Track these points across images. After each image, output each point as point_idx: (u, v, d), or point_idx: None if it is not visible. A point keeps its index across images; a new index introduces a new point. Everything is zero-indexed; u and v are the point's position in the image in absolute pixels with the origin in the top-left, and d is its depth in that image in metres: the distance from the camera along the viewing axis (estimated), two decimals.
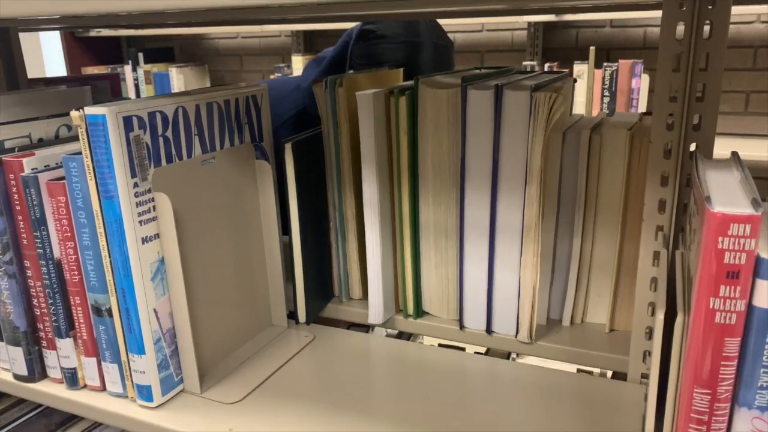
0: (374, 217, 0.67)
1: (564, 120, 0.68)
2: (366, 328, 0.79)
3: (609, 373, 0.68)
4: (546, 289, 0.68)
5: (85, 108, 0.50)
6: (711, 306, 0.32)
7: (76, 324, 0.57)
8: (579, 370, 0.68)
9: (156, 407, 0.56)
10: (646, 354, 0.57)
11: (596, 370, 0.73)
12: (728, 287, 0.31)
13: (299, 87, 0.98)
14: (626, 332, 0.66)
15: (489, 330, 0.67)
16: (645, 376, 0.58)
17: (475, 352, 0.73)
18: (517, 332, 0.66)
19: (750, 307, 0.32)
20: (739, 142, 2.00)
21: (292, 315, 0.71)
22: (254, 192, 0.66)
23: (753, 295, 0.31)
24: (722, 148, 1.84)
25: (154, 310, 0.54)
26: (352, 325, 0.79)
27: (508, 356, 0.78)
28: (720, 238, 0.31)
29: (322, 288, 0.74)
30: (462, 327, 0.68)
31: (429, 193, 0.67)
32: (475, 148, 0.62)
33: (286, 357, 0.64)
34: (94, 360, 0.57)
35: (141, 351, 0.54)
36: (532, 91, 0.59)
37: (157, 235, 0.54)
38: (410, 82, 0.68)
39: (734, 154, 0.44)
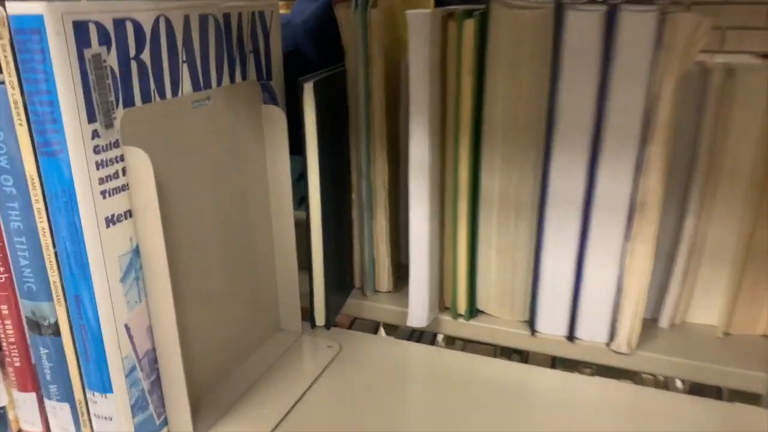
0: (423, 186, 0.49)
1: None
2: (374, 327, 0.62)
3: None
4: None
5: (6, 3, 0.30)
6: None
7: (3, 344, 0.38)
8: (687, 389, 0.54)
9: None
10: None
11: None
12: None
13: (290, 24, 0.79)
14: (745, 338, 0.51)
15: (571, 336, 0.51)
16: None
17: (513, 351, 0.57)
18: (610, 339, 0.50)
19: None
20: None
21: (306, 315, 0.54)
22: (260, 149, 0.47)
23: None
24: None
25: (126, 326, 0.36)
26: (356, 320, 0.61)
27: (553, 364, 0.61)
28: None
29: (342, 279, 0.57)
30: (534, 331, 0.52)
31: (497, 156, 0.50)
32: (572, 94, 0.45)
33: (306, 380, 0.46)
34: (32, 396, 0.39)
35: (106, 388, 0.36)
36: (664, 13, 0.42)
37: (130, 213, 0.35)
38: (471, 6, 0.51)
39: None
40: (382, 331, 0.63)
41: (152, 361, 0.38)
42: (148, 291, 0.37)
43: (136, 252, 0.36)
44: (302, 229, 0.51)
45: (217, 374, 0.45)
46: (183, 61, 0.38)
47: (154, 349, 0.38)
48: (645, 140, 0.44)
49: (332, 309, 0.54)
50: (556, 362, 0.56)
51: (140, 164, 0.34)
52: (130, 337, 0.36)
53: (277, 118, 0.46)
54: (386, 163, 0.54)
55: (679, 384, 0.54)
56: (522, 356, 0.58)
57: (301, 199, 0.57)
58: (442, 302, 0.56)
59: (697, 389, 0.51)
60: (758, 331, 0.51)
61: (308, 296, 0.53)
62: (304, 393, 0.45)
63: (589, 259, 0.49)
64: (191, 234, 0.41)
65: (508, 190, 0.50)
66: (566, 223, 0.49)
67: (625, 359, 0.50)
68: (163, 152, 0.37)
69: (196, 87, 0.40)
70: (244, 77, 0.44)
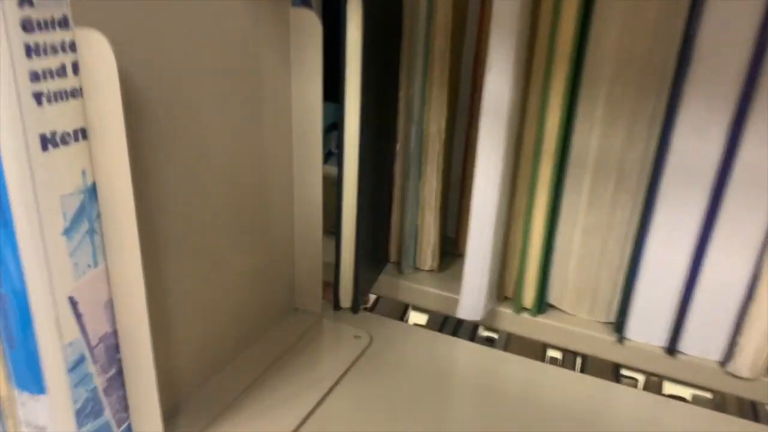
0: (498, 134, 0.37)
1: None
2: (401, 310, 0.50)
3: None
4: None
5: None
6: None
7: None
8: None
9: None
10: None
11: None
12: None
13: None
14: None
15: (672, 348, 0.39)
16: None
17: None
18: (727, 359, 0.38)
19: None
20: None
21: (326, 293, 0.42)
22: (283, 69, 0.35)
23: None
24: None
25: (71, 299, 0.24)
26: (381, 299, 0.50)
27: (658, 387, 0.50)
28: None
29: (376, 252, 0.45)
30: (621, 338, 0.40)
31: (598, 104, 0.37)
32: (721, 22, 0.32)
33: (326, 381, 0.35)
34: None
35: (37, 386, 0.25)
36: None
37: (83, 133, 0.24)
38: None
39: None
40: (410, 315, 0.52)
41: (111, 349, 0.27)
42: (108, 250, 0.25)
43: (92, 192, 0.24)
44: (330, 183, 0.39)
45: (206, 367, 0.34)
46: None
47: (115, 333, 0.27)
48: None
49: (362, 288, 0.42)
50: (620, 375, 0.45)
51: (100, 57, 0.22)
52: (78, 315, 0.25)
53: (309, 26, 0.34)
54: (445, 106, 0.42)
55: None
56: (573, 363, 0.46)
57: (328, 154, 0.45)
58: (503, 290, 0.44)
59: None
60: None
61: (333, 270, 0.41)
62: (323, 399, 0.34)
63: (713, 251, 0.36)
64: (176, 175, 0.29)
65: (610, 151, 0.38)
66: (688, 201, 0.36)
67: (744, 386, 0.38)
68: (138, 47, 0.25)
69: None
70: None
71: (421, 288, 0.45)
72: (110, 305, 0.27)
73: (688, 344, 0.39)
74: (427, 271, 0.47)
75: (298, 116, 0.36)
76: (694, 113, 0.34)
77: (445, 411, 0.34)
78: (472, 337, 0.51)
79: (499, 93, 0.36)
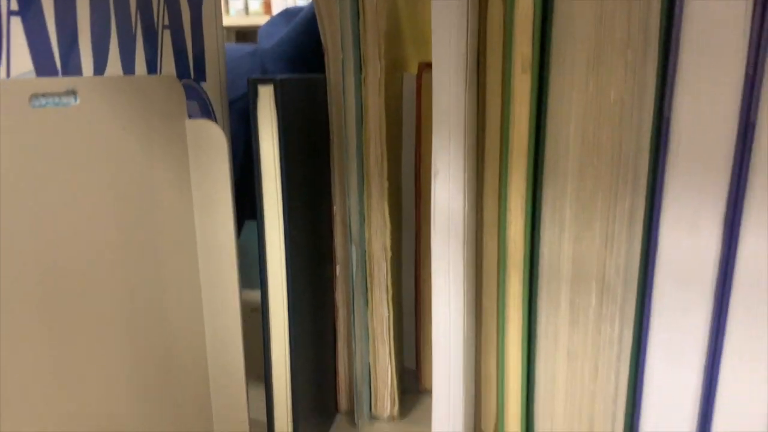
0: (454, 250, 0.31)
1: None
2: None
3: None
4: None
5: None
6: None
7: None
8: None
9: None
10: None
11: None
12: None
13: (257, 51, 0.62)
14: None
15: None
16: None
17: None
18: None
19: None
20: None
21: None
22: (183, 195, 0.28)
23: None
24: None
25: None
26: None
27: None
28: None
29: (318, 400, 0.37)
30: None
31: (566, 199, 0.31)
32: (693, 99, 0.28)
33: None
34: None
35: None
36: None
37: None
38: None
39: None
40: None
41: None
42: None
43: None
44: (254, 319, 0.31)
45: None
46: (13, 13, 0.20)
47: None
48: None
49: None
50: None
51: None
52: None
53: (211, 140, 0.27)
54: (388, 220, 0.36)
55: None
56: None
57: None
58: (479, 429, 0.36)
59: None
60: None
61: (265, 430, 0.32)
62: None
63: (727, 369, 0.30)
64: (42, 334, 0.21)
65: (587, 257, 0.32)
66: (688, 310, 0.30)
67: None
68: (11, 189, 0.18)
69: (45, 68, 0.21)
70: (152, 69, 0.26)
71: None
72: None
73: None
74: (387, 419, 0.39)
75: (204, 246, 0.29)
76: (680, 207, 0.29)
77: None
78: None
79: (449, 202, 0.30)
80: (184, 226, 0.28)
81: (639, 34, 0.29)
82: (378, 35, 0.34)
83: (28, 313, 0.20)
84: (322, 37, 0.35)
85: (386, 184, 0.36)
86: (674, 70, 0.28)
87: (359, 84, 0.34)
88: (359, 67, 0.34)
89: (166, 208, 0.27)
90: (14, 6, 0.19)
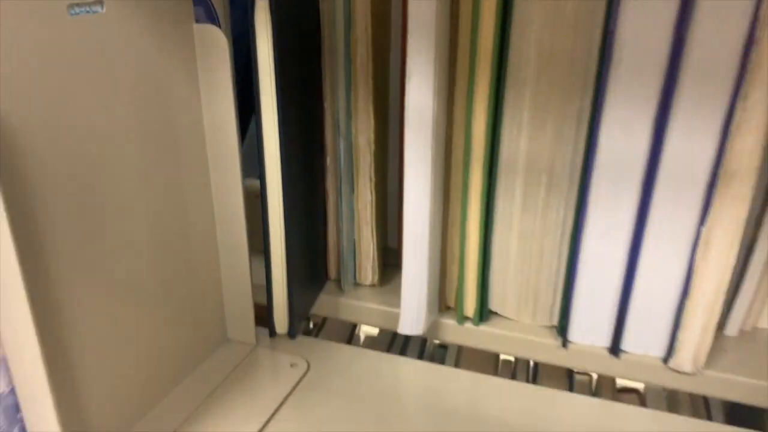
0: (424, 145, 0.36)
1: None
2: (349, 329, 0.49)
3: None
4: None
5: None
6: None
7: None
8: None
9: None
10: None
11: None
12: None
13: None
14: None
15: (615, 349, 0.39)
16: None
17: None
18: (669, 354, 0.38)
19: None
20: None
21: (264, 320, 0.40)
22: (191, 88, 0.33)
23: None
24: None
25: None
26: (327, 320, 0.48)
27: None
28: None
29: (311, 270, 0.43)
30: (565, 342, 0.39)
31: (524, 106, 0.36)
32: (639, 16, 0.32)
33: (260, 416, 0.33)
34: None
35: None
36: None
37: None
38: None
39: None
40: (361, 330, 0.50)
41: (11, 409, 0.24)
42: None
43: None
44: (256, 203, 0.37)
45: (128, 413, 0.32)
46: None
47: (13, 392, 0.24)
48: (741, 86, 0.31)
49: (298, 312, 0.40)
50: (573, 384, 0.44)
51: None
52: None
53: (215, 42, 0.32)
54: (372, 116, 0.40)
55: None
56: (528, 372, 0.46)
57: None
58: (444, 300, 0.43)
59: None
60: None
61: (266, 296, 0.39)
62: (262, 428, 0.32)
63: (648, 248, 0.36)
64: (76, 211, 0.27)
65: (539, 153, 0.37)
66: (619, 199, 0.35)
67: (688, 381, 0.37)
68: (18, 89, 0.23)
69: None
70: None
71: (362, 305, 0.44)
72: (6, 364, 0.24)
73: (630, 343, 0.38)
74: (369, 286, 0.46)
75: (211, 134, 0.34)
76: (619, 110, 0.34)
77: None
78: (422, 348, 0.49)
79: (421, 102, 0.35)
80: (194, 116, 0.33)
81: None
82: None
83: (69, 191, 0.26)
84: None
85: (371, 84, 0.40)
86: None
87: None
88: None
89: (178, 100, 0.32)
90: None
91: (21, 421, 0.25)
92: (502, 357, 0.47)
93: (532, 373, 0.46)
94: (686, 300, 0.36)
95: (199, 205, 0.35)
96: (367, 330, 0.51)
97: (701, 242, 0.34)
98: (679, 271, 0.36)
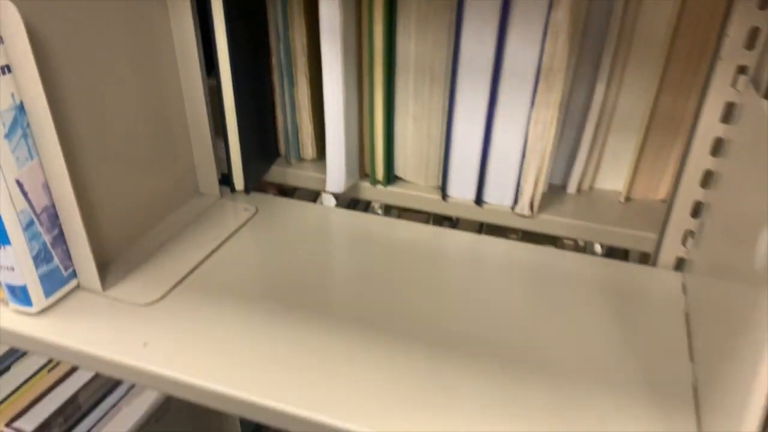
0: (335, 49, 0.49)
1: None
2: (313, 195, 0.64)
3: (598, 249, 0.57)
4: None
5: None
6: None
7: None
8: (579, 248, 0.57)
9: (38, 313, 0.40)
10: (688, 234, 0.45)
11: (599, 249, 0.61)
12: None
13: None
14: (646, 203, 0.54)
15: (479, 200, 0.53)
16: (681, 261, 0.47)
17: (443, 218, 0.60)
18: (514, 203, 0.52)
19: None
20: None
21: (227, 180, 0.55)
22: (162, 7, 0.46)
23: None
24: None
25: (17, 181, 0.37)
26: (297, 190, 0.63)
27: (480, 229, 0.65)
28: None
29: (264, 146, 0.58)
30: (445, 196, 0.54)
31: (412, 17, 0.49)
32: None
33: (218, 238, 0.48)
34: None
35: (4, 240, 0.37)
36: None
37: (8, 68, 0.35)
38: None
39: None
40: (324, 199, 0.65)
41: (53, 217, 0.39)
42: (39, 149, 0.37)
43: (21, 109, 0.36)
44: (217, 94, 0.50)
45: (128, 233, 0.47)
46: None
47: (52, 205, 0.39)
48: (552, 3, 0.44)
49: (251, 174, 0.55)
50: (483, 228, 0.59)
51: (10, 18, 0.33)
52: (24, 192, 0.37)
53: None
54: (304, 25, 0.53)
55: (598, 248, 0.57)
56: (452, 223, 0.60)
57: None
58: (363, 169, 0.57)
59: (612, 253, 0.54)
60: (659, 196, 0.54)
61: (226, 161, 0.53)
62: (215, 249, 0.47)
63: (497, 126, 0.50)
64: (88, 94, 0.40)
65: (424, 55, 0.50)
66: (476, 90, 0.49)
67: (527, 221, 0.52)
68: (42, 9, 0.36)
69: None
70: None
71: (302, 173, 0.58)
72: (47, 186, 0.39)
73: (489, 196, 0.53)
74: (309, 160, 0.60)
75: (179, 47, 0.47)
76: (473, 22, 0.46)
77: (314, 253, 0.48)
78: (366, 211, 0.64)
79: (331, 16, 0.47)
80: (166, 36, 0.46)
81: None
82: None
83: (89, 89, 0.40)
84: None
85: (303, 1, 0.52)
86: None
87: None
88: None
89: (156, 25, 0.44)
90: None
91: (59, 225, 0.40)
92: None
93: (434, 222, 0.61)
94: (523, 161, 0.50)
95: (173, 95, 0.48)
96: (326, 199, 0.65)
97: (531, 120, 0.48)
98: (518, 141, 0.50)
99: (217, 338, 0.39)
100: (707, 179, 0.43)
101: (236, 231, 0.49)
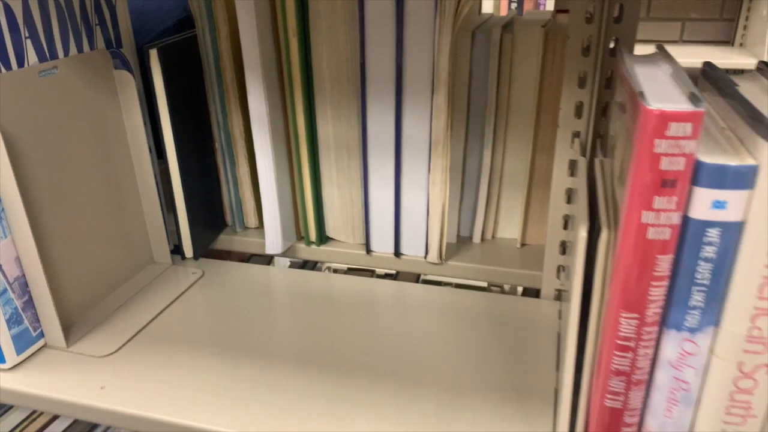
0: (264, 135, 0.58)
1: (472, 18, 0.61)
2: (268, 260, 0.72)
3: (520, 290, 0.65)
4: (456, 206, 0.63)
5: None
6: (643, 220, 0.27)
7: None
8: (490, 287, 0.66)
9: (10, 369, 0.47)
10: (560, 269, 0.54)
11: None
12: (663, 198, 0.27)
13: None
14: (538, 247, 0.63)
15: (397, 252, 0.62)
16: (559, 292, 0.56)
17: (386, 274, 0.69)
18: (426, 253, 0.61)
19: (685, 219, 0.27)
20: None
21: (179, 250, 0.63)
22: (116, 109, 0.55)
23: (689, 206, 0.27)
24: None
25: None
26: (253, 256, 0.72)
27: (417, 279, 0.74)
28: (656, 141, 0.26)
29: (212, 217, 0.66)
30: (369, 251, 0.63)
31: (327, 105, 0.59)
32: (376, 52, 0.54)
33: (169, 298, 0.56)
34: None
35: None
36: None
37: None
38: None
39: (660, 47, 0.39)
40: (278, 262, 0.73)
41: (23, 285, 0.47)
42: (11, 229, 0.45)
43: None
44: (165, 175, 0.59)
45: (90, 299, 0.54)
46: (26, 37, 0.46)
47: (24, 276, 0.47)
48: (433, 90, 0.54)
49: (199, 243, 0.63)
50: (419, 278, 0.67)
51: None
52: None
53: (128, 81, 0.54)
54: (241, 115, 0.63)
55: (519, 290, 0.66)
56: (394, 276, 0.69)
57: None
58: (299, 232, 0.66)
59: (528, 293, 0.63)
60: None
61: (178, 233, 0.62)
62: (166, 307, 0.55)
63: (404, 189, 0.59)
64: (55, 183, 0.49)
65: (340, 134, 0.60)
66: (384, 160, 0.58)
67: (438, 268, 0.61)
68: (13, 116, 0.45)
69: (41, 58, 0.47)
70: (92, 46, 0.52)
71: (247, 239, 0.67)
72: (18, 260, 0.47)
73: (405, 248, 0.62)
74: (253, 228, 0.69)
75: (132, 140, 0.56)
76: (375, 107, 0.56)
77: (252, 305, 0.56)
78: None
79: (258, 108, 0.57)
80: (120, 130, 0.55)
81: (352, 19, 0.54)
82: (224, 10, 0.58)
83: (52, 175, 0.48)
84: (191, 10, 0.60)
85: (238, 94, 0.62)
86: (365, 39, 0.54)
87: (213, 38, 0.59)
88: (213, 28, 0.59)
89: (110, 120, 0.54)
90: (26, 33, 0.45)
91: (29, 292, 0.48)
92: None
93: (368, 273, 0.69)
94: (428, 217, 0.59)
95: (128, 179, 0.57)
96: (280, 262, 0.73)
97: (430, 184, 0.58)
98: (422, 200, 0.59)
99: (164, 379, 0.46)
100: (567, 222, 0.52)
101: (185, 291, 0.57)
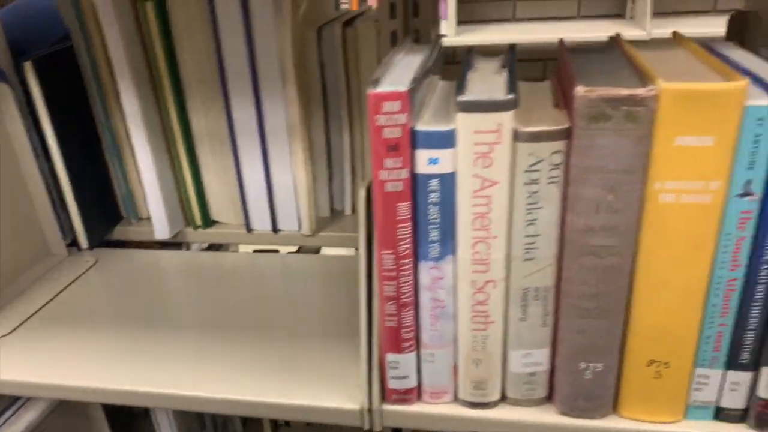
0: (140, 132, 0.65)
1: (325, 15, 0.68)
2: (179, 246, 0.79)
3: None
4: (326, 183, 0.71)
5: None
6: (381, 178, 0.36)
7: None
8: None
9: None
10: None
11: None
12: (391, 159, 0.35)
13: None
14: None
15: (275, 229, 0.70)
16: None
17: (289, 252, 0.76)
18: (299, 227, 0.69)
19: (413, 174, 0.36)
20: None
21: (76, 242, 0.69)
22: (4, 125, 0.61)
23: (413, 163, 0.35)
24: None
25: None
26: (165, 245, 0.78)
27: (318, 250, 0.82)
28: (377, 116, 0.34)
29: (106, 210, 0.72)
30: (249, 230, 0.70)
31: (197, 100, 0.66)
32: (231, 51, 0.61)
33: (64, 283, 0.62)
34: None
35: None
36: None
37: None
38: None
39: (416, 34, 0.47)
40: (192, 247, 0.79)
41: None
42: None
43: None
44: (53, 176, 0.65)
45: None
46: None
47: None
48: (284, 80, 0.62)
49: (93, 234, 0.69)
50: (319, 251, 0.75)
51: None
52: None
53: (5, 93, 0.60)
54: (123, 114, 0.69)
55: None
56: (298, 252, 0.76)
57: None
58: (185, 217, 0.73)
59: None
60: None
61: (73, 227, 0.68)
62: (61, 291, 0.61)
63: (273, 171, 0.67)
64: None
65: (212, 126, 0.67)
66: (252, 146, 0.66)
67: (311, 239, 0.69)
68: None
69: None
70: None
71: (140, 228, 0.73)
72: None
73: (282, 225, 0.69)
74: (146, 218, 0.75)
75: (15, 144, 0.62)
76: (237, 99, 0.64)
77: (147, 290, 0.62)
78: None
79: (133, 109, 0.64)
80: (4, 140, 0.61)
81: (207, 22, 0.61)
82: (95, 20, 0.64)
83: None
84: (65, 21, 0.65)
85: (118, 97, 0.68)
86: (220, 40, 0.61)
87: (89, 47, 0.65)
88: (87, 38, 0.65)
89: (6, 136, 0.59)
90: None
91: None
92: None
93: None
94: (297, 196, 0.67)
95: (18, 184, 0.63)
96: (194, 247, 0.80)
97: (293, 165, 0.65)
98: (289, 180, 0.67)
99: (55, 350, 0.53)
100: None
101: (79, 276, 0.64)
